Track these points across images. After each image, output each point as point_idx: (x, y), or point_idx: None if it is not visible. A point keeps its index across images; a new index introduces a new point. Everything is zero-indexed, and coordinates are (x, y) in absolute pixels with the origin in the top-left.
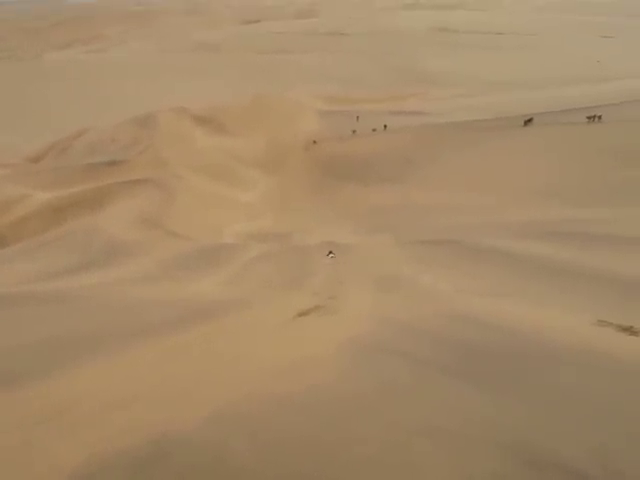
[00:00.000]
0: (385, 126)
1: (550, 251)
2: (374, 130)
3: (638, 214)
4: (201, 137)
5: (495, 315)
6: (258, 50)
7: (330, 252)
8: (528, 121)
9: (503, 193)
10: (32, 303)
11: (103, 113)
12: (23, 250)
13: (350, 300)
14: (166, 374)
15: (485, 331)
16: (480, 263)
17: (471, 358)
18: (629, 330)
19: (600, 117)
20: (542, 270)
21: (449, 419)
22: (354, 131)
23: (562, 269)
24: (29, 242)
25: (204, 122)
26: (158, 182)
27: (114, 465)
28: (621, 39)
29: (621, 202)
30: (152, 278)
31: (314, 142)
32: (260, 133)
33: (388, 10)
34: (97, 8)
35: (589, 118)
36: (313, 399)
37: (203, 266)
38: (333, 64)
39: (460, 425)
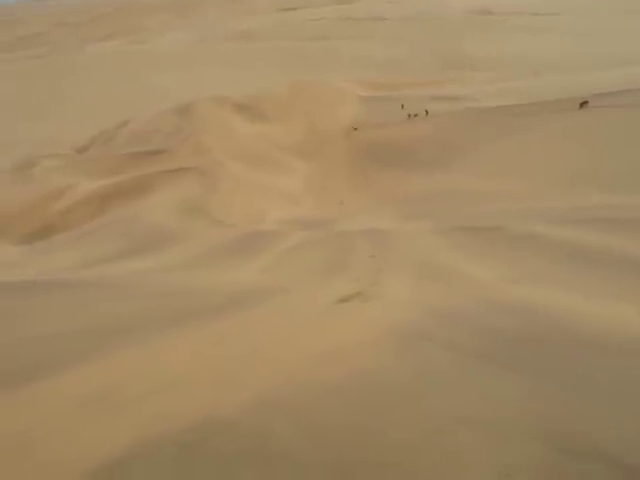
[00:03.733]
0: (426, 111)
1: (594, 239)
2: (416, 115)
3: None
4: (241, 125)
5: (536, 303)
6: (296, 37)
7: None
8: (583, 103)
9: (548, 179)
10: (71, 290)
11: (145, 103)
12: (67, 238)
13: (391, 287)
14: (206, 360)
15: (526, 319)
16: (521, 250)
17: (511, 346)
18: None
19: None
20: (585, 258)
21: (488, 407)
22: (409, 115)
23: (607, 257)
24: (74, 231)
25: (244, 110)
26: (200, 170)
27: (157, 449)
28: None
29: None
30: (193, 265)
31: (355, 129)
32: (300, 120)
33: None
34: (138, 0)
35: None
36: (355, 385)
37: (244, 253)
38: (372, 50)
39: (499, 413)
